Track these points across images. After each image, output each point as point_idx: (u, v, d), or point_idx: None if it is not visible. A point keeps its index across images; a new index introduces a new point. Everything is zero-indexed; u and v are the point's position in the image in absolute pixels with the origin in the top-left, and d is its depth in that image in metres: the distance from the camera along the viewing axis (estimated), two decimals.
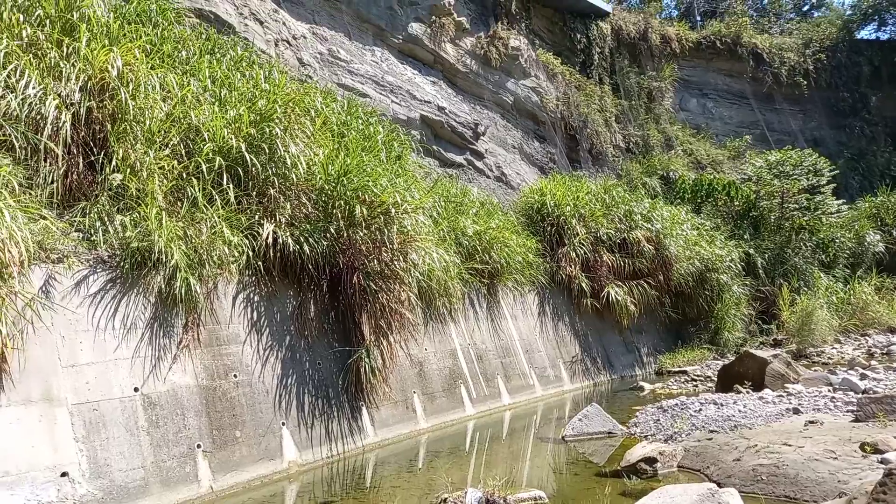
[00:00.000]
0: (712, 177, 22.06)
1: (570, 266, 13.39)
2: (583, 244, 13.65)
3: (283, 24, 13.51)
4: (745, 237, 18.83)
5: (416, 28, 17.23)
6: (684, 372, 13.54)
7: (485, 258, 11.21)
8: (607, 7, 24.54)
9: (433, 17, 17.66)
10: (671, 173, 22.38)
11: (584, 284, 13.43)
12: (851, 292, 18.03)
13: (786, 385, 9.73)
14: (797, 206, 19.49)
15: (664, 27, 27.78)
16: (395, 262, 8.19)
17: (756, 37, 30.39)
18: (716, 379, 11.31)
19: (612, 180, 19.28)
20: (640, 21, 26.34)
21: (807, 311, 15.07)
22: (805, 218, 19.56)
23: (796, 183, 19.45)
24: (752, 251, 18.11)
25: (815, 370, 11.80)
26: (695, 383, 12.36)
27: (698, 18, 33.72)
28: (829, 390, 9.21)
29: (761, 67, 29.83)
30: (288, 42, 13.39)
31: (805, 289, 17.37)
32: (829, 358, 14.29)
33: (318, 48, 14.29)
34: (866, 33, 34.30)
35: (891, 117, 32.52)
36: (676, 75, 26.97)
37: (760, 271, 18.01)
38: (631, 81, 24.94)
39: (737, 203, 20.47)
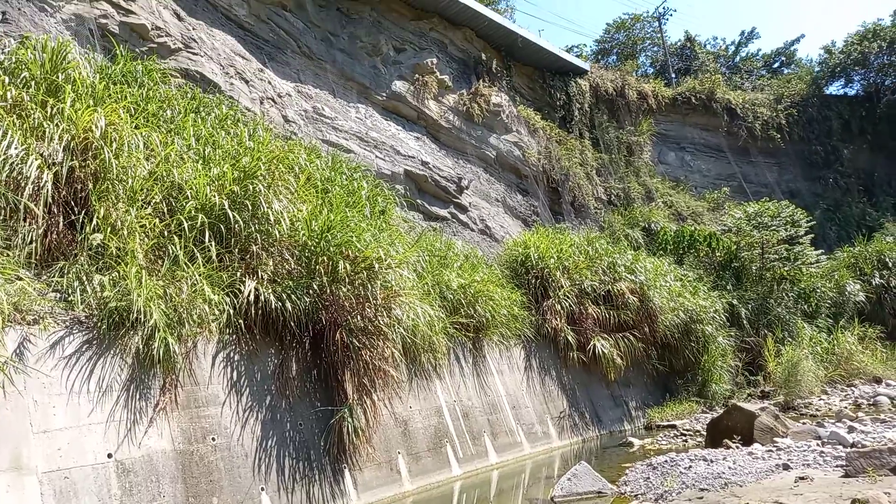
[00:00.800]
0: (693, 228, 22.38)
1: (556, 319, 13.35)
2: (567, 296, 13.65)
3: (269, 82, 13.75)
4: (728, 288, 18.96)
5: (399, 86, 17.63)
6: (673, 426, 13.37)
7: (470, 312, 11.14)
8: (585, 65, 25.37)
9: (416, 76, 18.10)
10: (653, 225, 22.68)
11: (569, 337, 13.37)
12: (835, 342, 18.10)
13: (775, 439, 9.63)
14: (777, 257, 19.76)
15: (640, 84, 28.71)
16: (379, 318, 8.10)
17: (729, 93, 31.47)
18: (705, 433, 11.16)
19: (595, 232, 19.47)
20: (618, 78, 27.21)
21: (792, 362, 15.06)
22: (786, 268, 19.80)
23: (775, 234, 19.78)
24: (735, 302, 18.21)
25: (804, 423, 11.71)
26: (684, 438, 12.19)
27: (673, 76, 34.92)
28: (818, 444, 9.12)
29: (736, 122, 30.79)
30: (273, 100, 13.59)
31: (789, 339, 17.40)
32: (816, 410, 14.21)
33: (303, 105, 14.52)
34: (834, 89, 35.70)
35: (863, 169, 33.52)
36: (654, 130, 27.73)
37: (745, 322, 18.07)
38: (610, 136, 25.57)
39: (718, 254, 20.72)
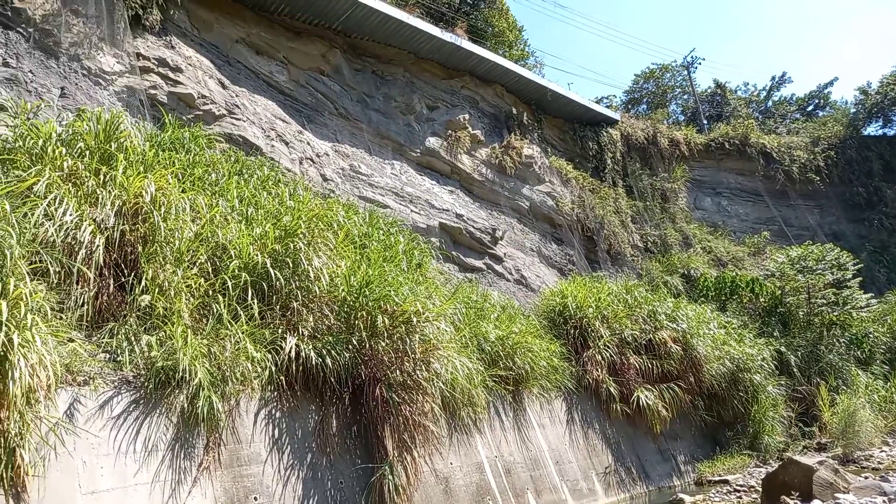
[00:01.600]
0: (734, 274, 21.89)
1: (597, 369, 13.06)
2: (608, 346, 13.38)
3: (308, 143, 14.23)
4: (775, 334, 18.34)
5: (433, 142, 18.04)
6: (725, 481, 12.76)
7: (508, 364, 11.00)
8: (615, 115, 25.61)
9: (449, 132, 18.52)
10: (692, 271, 22.28)
11: (612, 389, 13.03)
12: (893, 390, 17.24)
13: (836, 495, 9.10)
14: (825, 302, 19.10)
15: (672, 131, 28.76)
16: (418, 372, 8.07)
17: (764, 137, 31.23)
18: (760, 489, 10.61)
19: (633, 280, 19.21)
20: (649, 127, 27.33)
21: (849, 411, 14.33)
22: (835, 313, 19.10)
23: (821, 278, 19.20)
24: (783, 349, 17.57)
25: (866, 476, 11.07)
26: (738, 494, 11.61)
27: (705, 122, 34.92)
28: (883, 500, 8.58)
29: (772, 166, 30.42)
30: (312, 160, 14.03)
31: (844, 387, 16.63)
32: (878, 462, 13.41)
33: (340, 164, 14.94)
34: (873, 130, 35.16)
35: None
36: (688, 176, 27.57)
37: (795, 370, 17.37)
38: (644, 183, 25.51)
39: (762, 300, 20.15)
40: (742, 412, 15.30)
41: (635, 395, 13.16)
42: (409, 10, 18.11)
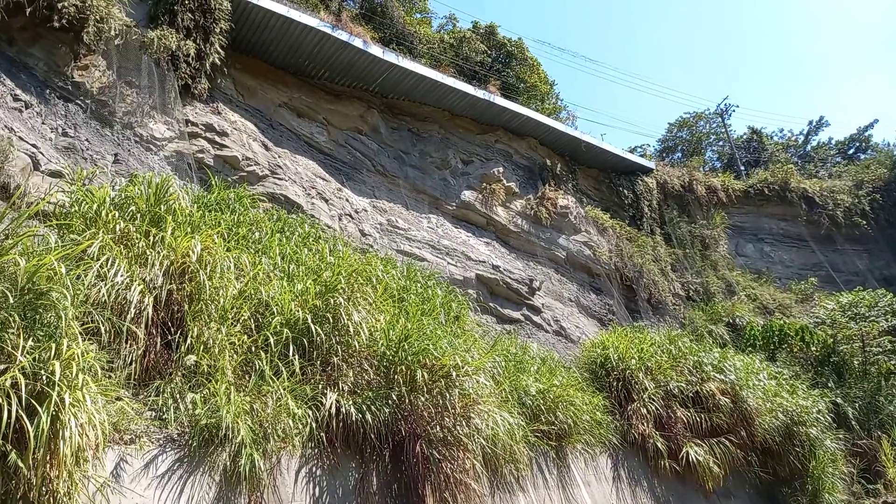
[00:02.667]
0: (782, 322, 21.17)
1: (643, 424, 12.64)
2: (653, 399, 12.97)
3: (347, 200, 14.58)
4: (830, 385, 17.53)
5: (468, 195, 18.27)
6: None
7: (550, 418, 10.75)
8: (650, 164, 25.59)
9: (484, 185, 18.76)
10: (737, 320, 21.64)
11: (659, 444, 12.56)
12: None
13: None
14: (881, 350, 18.26)
15: (709, 178, 28.51)
16: (458, 428, 7.95)
17: (804, 182, 30.66)
18: None
19: (676, 329, 18.74)
20: (684, 174, 27.18)
21: None
22: (892, 362, 18.22)
23: (875, 325, 18.42)
24: (839, 400, 16.74)
25: None
26: None
27: (742, 168, 34.55)
28: None
29: (815, 210, 29.73)
30: (350, 216, 14.34)
31: None
32: None
33: (378, 219, 15.22)
34: None
35: None
36: (728, 222, 27.12)
37: (853, 422, 16.49)
38: (682, 230, 25.19)
39: (813, 348, 19.37)
40: (799, 468, 14.51)
41: (684, 450, 12.64)
42: (443, 70, 18.70)
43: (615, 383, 13.30)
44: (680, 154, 38.84)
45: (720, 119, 39.10)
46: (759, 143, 37.66)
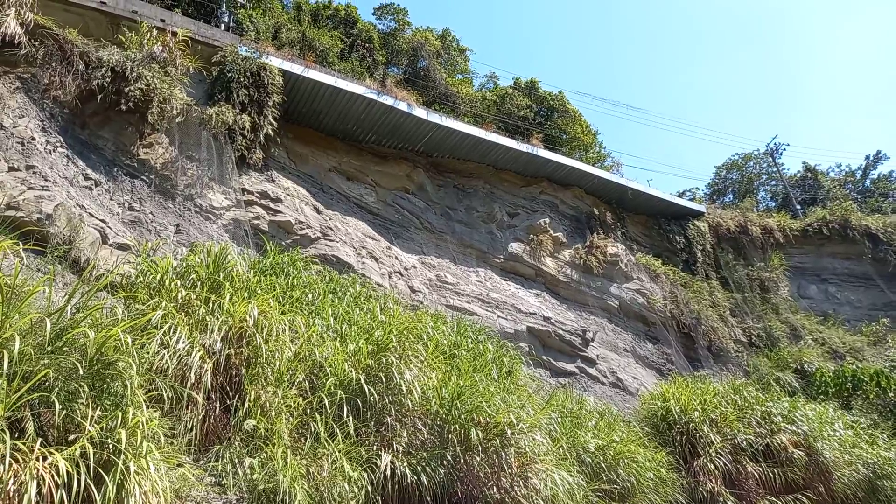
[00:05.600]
0: (854, 366, 20.00)
1: (711, 480, 11.99)
2: (720, 454, 12.34)
3: (396, 258, 14.82)
4: None
5: (515, 247, 18.30)
6: None
7: (612, 476, 10.33)
8: (700, 207, 25.14)
9: (531, 236, 18.78)
10: (806, 366, 20.56)
11: (730, 502, 11.87)
12: None
13: None
14: None
15: (763, 219, 27.73)
16: (516, 489, 7.75)
17: (866, 218, 29.43)
18: None
19: (740, 378, 17.96)
20: (738, 216, 26.55)
21: None
22: None
23: None
24: None
25: None
26: None
27: (798, 207, 33.53)
28: None
29: (880, 247, 28.39)
30: (400, 273, 14.54)
31: None
32: None
33: (426, 275, 15.38)
34: None
35: None
36: (787, 264, 26.15)
37: None
38: (739, 274, 24.42)
39: (891, 394, 18.17)
40: None
41: None
42: (486, 126, 19.10)
43: (678, 437, 12.75)
44: (731, 196, 38.09)
45: (771, 158, 38.30)
46: (815, 180, 36.58)
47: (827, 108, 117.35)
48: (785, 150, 40.08)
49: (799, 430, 13.36)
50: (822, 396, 17.92)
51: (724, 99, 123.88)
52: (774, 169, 38.06)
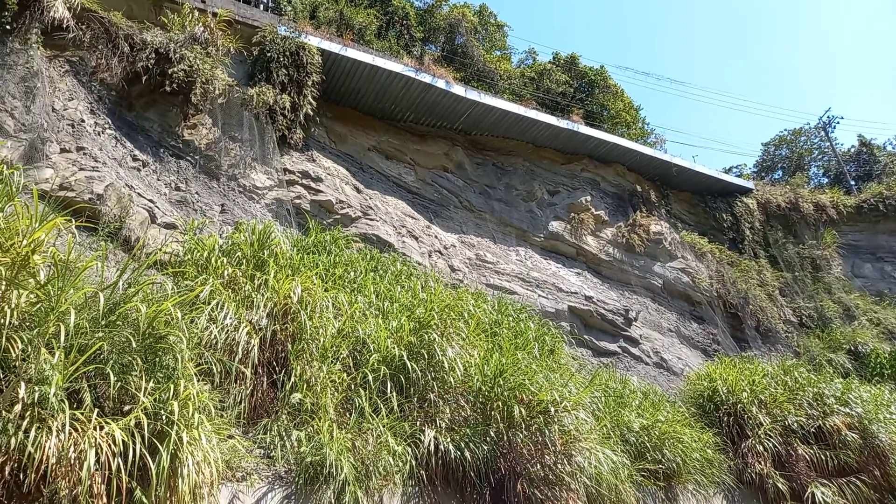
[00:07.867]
0: None
1: (759, 462, 11.73)
2: (769, 435, 12.03)
3: (435, 237, 14.78)
4: None
5: (556, 226, 18.05)
6: None
7: (657, 456, 10.18)
8: (748, 184, 24.33)
9: (572, 215, 18.48)
10: (860, 347, 19.84)
11: (780, 484, 11.58)
12: None
13: None
14: None
15: (815, 195, 26.67)
16: (560, 466, 7.70)
17: None
18: None
19: (790, 359, 17.42)
20: (788, 192, 25.60)
21: None
22: None
23: None
24: None
25: None
26: None
27: (852, 183, 32.15)
28: None
29: None
30: (440, 252, 14.51)
31: None
32: None
33: (466, 254, 15.31)
34: None
35: None
36: (840, 241, 25.17)
37: None
38: (789, 252, 23.60)
39: None
40: None
41: (809, 490, 11.59)
42: (525, 103, 18.78)
43: (725, 418, 12.47)
44: (780, 173, 36.72)
45: (823, 133, 36.76)
46: (870, 154, 34.95)
47: (885, 78, 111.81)
48: (839, 123, 38.35)
49: (853, 413, 12.92)
50: (877, 378, 17.28)
51: (774, 73, 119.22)
52: (827, 143, 36.54)
